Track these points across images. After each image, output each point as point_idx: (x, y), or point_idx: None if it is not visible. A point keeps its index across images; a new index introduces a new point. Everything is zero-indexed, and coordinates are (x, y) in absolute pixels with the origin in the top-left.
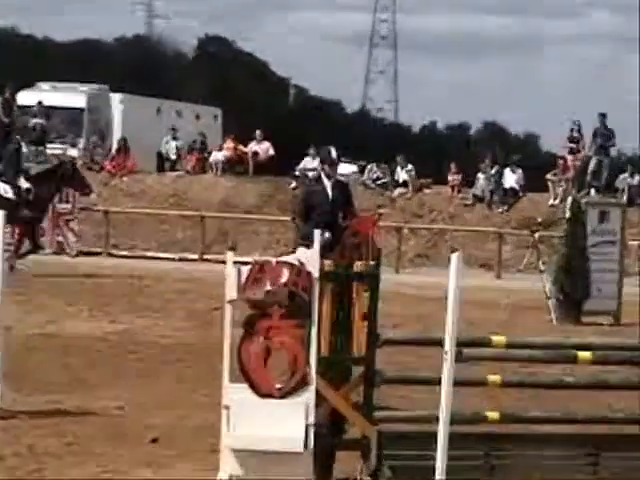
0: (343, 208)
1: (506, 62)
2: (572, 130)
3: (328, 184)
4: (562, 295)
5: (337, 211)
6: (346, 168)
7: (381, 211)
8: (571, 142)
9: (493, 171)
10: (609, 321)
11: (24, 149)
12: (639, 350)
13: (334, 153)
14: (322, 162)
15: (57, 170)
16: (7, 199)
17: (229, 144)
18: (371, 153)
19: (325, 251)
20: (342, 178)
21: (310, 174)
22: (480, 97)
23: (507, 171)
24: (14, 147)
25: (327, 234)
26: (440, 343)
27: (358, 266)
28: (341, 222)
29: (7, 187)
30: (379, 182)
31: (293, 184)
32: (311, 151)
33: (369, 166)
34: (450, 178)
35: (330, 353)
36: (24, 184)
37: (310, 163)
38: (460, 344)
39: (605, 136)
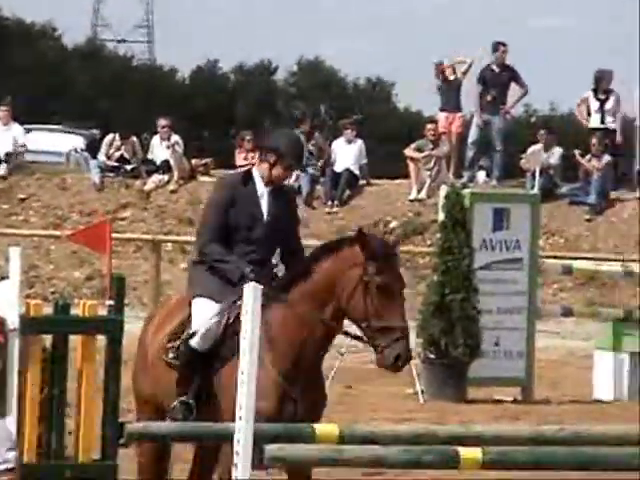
0: (284, 237)
1: None
2: (440, 68)
3: (265, 191)
4: (434, 353)
5: (275, 241)
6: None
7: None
8: (444, 89)
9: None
10: (514, 396)
11: None
12: (563, 444)
13: (290, 141)
14: (273, 153)
15: None
16: None
17: None
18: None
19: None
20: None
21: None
22: None
23: (339, 142)
24: None
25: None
26: (227, 436)
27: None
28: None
29: None
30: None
31: None
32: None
33: (108, 137)
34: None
35: (39, 458)
36: None
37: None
38: (260, 438)
39: (502, 82)
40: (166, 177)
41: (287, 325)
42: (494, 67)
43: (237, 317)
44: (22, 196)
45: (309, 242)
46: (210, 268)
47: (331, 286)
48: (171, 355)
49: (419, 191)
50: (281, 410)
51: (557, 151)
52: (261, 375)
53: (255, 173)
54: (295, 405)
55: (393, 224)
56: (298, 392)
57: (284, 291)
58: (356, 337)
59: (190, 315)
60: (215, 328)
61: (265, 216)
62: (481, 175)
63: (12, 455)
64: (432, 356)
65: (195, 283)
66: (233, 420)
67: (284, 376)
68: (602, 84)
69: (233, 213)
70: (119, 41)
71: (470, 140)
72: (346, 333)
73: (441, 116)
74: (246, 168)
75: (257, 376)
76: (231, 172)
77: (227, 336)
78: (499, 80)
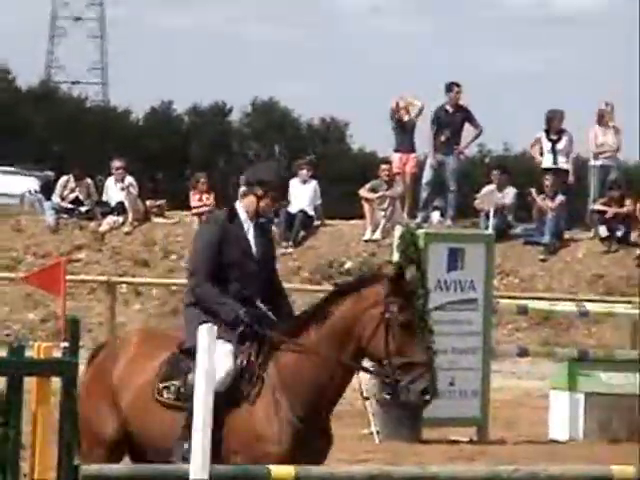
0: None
1: None
2: (396, 108)
3: (250, 226)
4: (389, 394)
5: (264, 277)
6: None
7: None
8: (398, 130)
9: None
10: (469, 436)
11: None
12: None
13: (276, 172)
14: (259, 185)
15: None
16: None
17: None
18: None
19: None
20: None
21: None
22: None
23: (294, 182)
24: None
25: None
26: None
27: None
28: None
29: None
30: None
31: None
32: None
33: (62, 179)
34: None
35: None
36: None
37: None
38: None
39: (456, 122)
40: (120, 218)
41: (306, 369)
42: (448, 107)
43: (248, 360)
44: None
45: None
46: (203, 309)
47: (351, 327)
48: (167, 395)
49: (373, 232)
50: (295, 454)
51: (511, 191)
52: (278, 419)
53: (239, 209)
54: (309, 449)
55: (348, 265)
56: (312, 436)
57: (297, 334)
58: (377, 373)
59: (176, 354)
60: (233, 371)
61: (255, 252)
62: (435, 215)
63: None
64: (387, 397)
65: (194, 326)
66: (241, 462)
67: (301, 419)
68: (554, 124)
69: (225, 250)
70: (73, 82)
71: (424, 180)
72: (365, 369)
73: (395, 157)
74: (201, 206)
75: (274, 420)
76: (217, 211)
77: (243, 379)
78: (453, 120)
